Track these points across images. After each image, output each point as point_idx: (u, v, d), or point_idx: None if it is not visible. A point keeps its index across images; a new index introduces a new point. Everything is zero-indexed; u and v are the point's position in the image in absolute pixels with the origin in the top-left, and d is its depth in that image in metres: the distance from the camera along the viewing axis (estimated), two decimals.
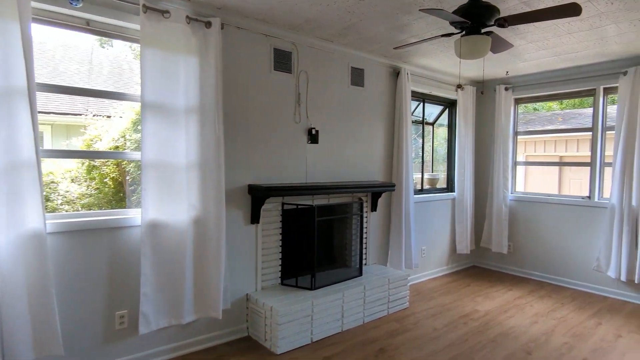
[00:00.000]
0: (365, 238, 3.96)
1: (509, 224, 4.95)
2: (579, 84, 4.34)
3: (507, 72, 4.57)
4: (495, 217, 4.92)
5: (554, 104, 12.60)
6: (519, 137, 5.06)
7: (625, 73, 3.90)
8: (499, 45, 2.59)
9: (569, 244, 4.45)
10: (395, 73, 4.16)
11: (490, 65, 4.31)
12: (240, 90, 3.01)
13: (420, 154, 4.78)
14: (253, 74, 3.07)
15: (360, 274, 3.61)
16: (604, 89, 4.22)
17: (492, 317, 3.52)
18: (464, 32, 2.31)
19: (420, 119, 4.74)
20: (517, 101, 4.98)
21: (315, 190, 3.20)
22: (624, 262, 3.87)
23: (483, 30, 2.30)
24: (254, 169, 3.11)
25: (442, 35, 2.38)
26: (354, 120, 3.82)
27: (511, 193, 4.97)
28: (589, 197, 4.33)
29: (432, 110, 5.03)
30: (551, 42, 3.43)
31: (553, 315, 3.59)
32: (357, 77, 3.81)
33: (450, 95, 4.86)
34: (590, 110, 7.80)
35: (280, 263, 3.29)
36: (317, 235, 3.35)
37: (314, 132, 3.45)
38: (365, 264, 3.96)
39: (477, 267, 5.21)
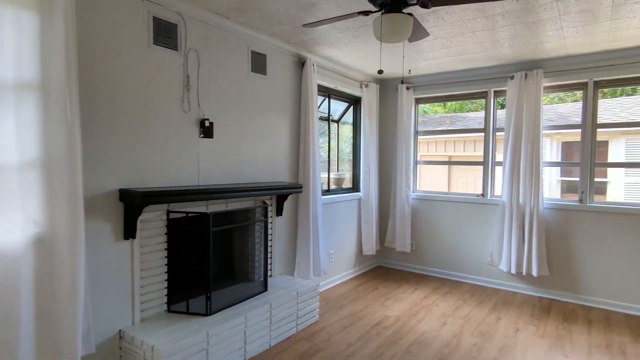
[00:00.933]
0: (271, 247, 3.51)
1: (412, 223, 4.98)
2: (473, 86, 4.51)
3: (409, 70, 4.55)
4: (398, 216, 4.90)
5: (439, 108, 13.69)
6: (419, 136, 5.14)
7: (512, 77, 4.13)
8: (417, 32, 2.39)
9: (465, 241, 4.62)
10: (301, 63, 3.80)
11: (394, 63, 4.22)
12: (106, 65, 2.31)
13: (326, 152, 4.51)
14: (125, 45, 2.39)
15: (265, 288, 3.16)
16: (495, 91, 4.45)
17: (403, 322, 3.37)
18: (383, 11, 2.03)
19: (326, 115, 4.47)
20: (418, 101, 5.04)
21: (210, 195, 2.64)
22: (514, 256, 4.11)
23: (405, 10, 2.05)
24: (128, 168, 2.42)
25: (359, 13, 2.07)
26: (257, 113, 3.34)
27: (413, 192, 5.02)
28: (482, 194, 4.54)
29: (337, 107, 4.81)
30: (454, 40, 3.41)
31: (458, 313, 3.60)
32: (259, 63, 3.34)
33: (355, 92, 4.69)
34: (474, 114, 8.49)
35: (166, 285, 2.65)
36: (213, 248, 2.80)
37: (207, 124, 2.88)
38: (271, 276, 3.52)
39: (382, 267, 5.15)
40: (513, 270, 4.12)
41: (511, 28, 3.10)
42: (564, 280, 4.02)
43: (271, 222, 3.50)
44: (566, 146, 7.10)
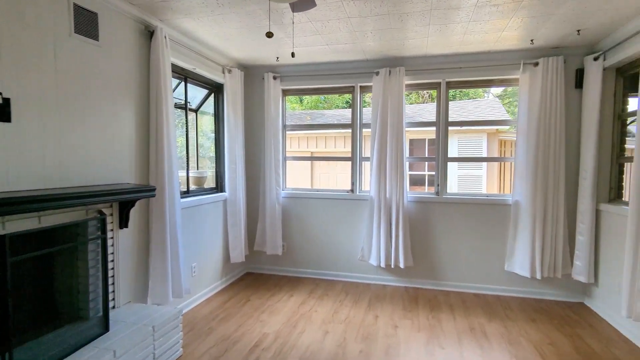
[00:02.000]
0: (112, 270, 2.68)
1: (283, 223, 4.66)
2: (341, 80, 4.42)
3: (277, 57, 4.18)
4: (269, 217, 4.51)
5: (297, 105, 13.82)
6: (287, 131, 4.83)
7: (377, 73, 4.17)
8: (303, 1, 2.01)
9: (337, 238, 4.52)
10: (149, 33, 3.02)
11: (260, 48, 3.79)
12: None
13: (185, 146, 3.79)
14: None
15: (106, 328, 2.36)
16: (361, 87, 4.44)
17: (284, 339, 2.99)
18: None
19: (182, 102, 3.75)
20: (285, 92, 4.72)
21: (10, 207, 1.75)
22: (382, 250, 4.17)
23: None
24: None
25: None
26: (88, 92, 2.47)
27: (283, 190, 4.69)
28: (351, 190, 4.50)
29: (195, 94, 4.12)
30: (329, 26, 3.18)
31: (338, 317, 3.41)
32: (87, 23, 2.47)
33: (217, 77, 4.08)
34: (332, 112, 8.65)
35: None
36: (19, 283, 1.91)
37: (1, 100, 1.93)
38: (114, 308, 2.69)
39: (253, 274, 4.69)
40: (382, 264, 4.17)
41: (385, 18, 3.01)
42: (426, 269, 4.27)
43: (112, 238, 2.67)
44: (410, 143, 7.85)
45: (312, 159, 5.27)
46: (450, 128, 4.35)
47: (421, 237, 4.26)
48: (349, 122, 4.55)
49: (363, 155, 4.51)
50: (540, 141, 3.75)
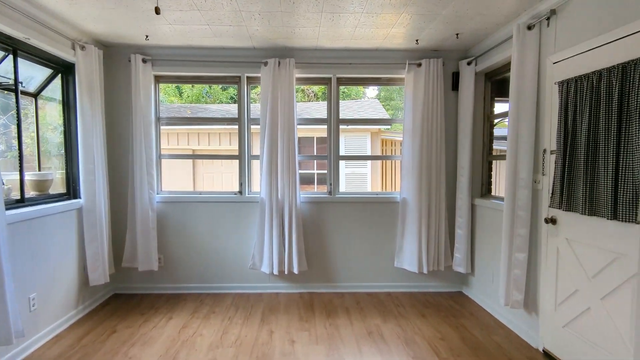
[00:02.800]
0: None
1: (158, 233, 3.98)
2: (225, 69, 3.94)
3: (147, 36, 3.51)
4: (140, 227, 3.80)
5: (175, 98, 12.62)
6: (161, 125, 4.15)
7: (266, 63, 3.82)
8: None
9: (225, 246, 4.05)
10: None
11: (124, 21, 3.11)
12: None
13: (16, 142, 2.90)
14: None
15: None
16: (248, 77, 4.04)
17: None
18: None
19: (10, 81, 2.85)
20: (158, 79, 4.04)
21: None
22: (275, 256, 3.85)
23: None
24: None
25: None
26: None
27: (158, 193, 4.01)
28: (240, 192, 4.07)
29: (34, 74, 3.21)
30: (210, 0, 2.71)
31: (227, 339, 2.98)
32: None
33: (64, 54, 3.23)
34: (216, 106, 8.02)
35: None
36: None
37: None
38: None
39: (121, 296, 3.90)
40: (275, 271, 3.86)
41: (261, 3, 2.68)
42: (320, 272, 4.09)
43: None
44: (297, 141, 7.72)
45: (193, 157, 4.66)
46: (342, 127, 4.25)
47: (315, 239, 4.07)
48: (236, 116, 4.11)
49: (252, 154, 4.12)
50: (424, 140, 3.87)
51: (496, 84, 3.88)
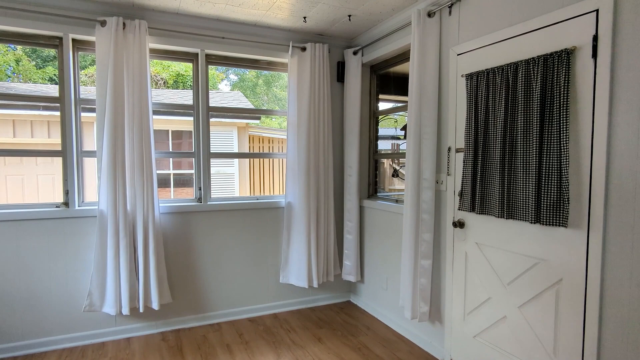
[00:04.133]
0: None
1: None
2: (37, 23, 2.68)
3: None
4: None
5: None
6: None
7: (103, 23, 2.75)
8: None
9: (43, 284, 2.78)
10: None
11: None
12: None
13: None
14: None
15: None
16: (75, 40, 2.86)
17: None
18: None
19: None
20: None
21: None
22: (124, 289, 2.82)
23: None
24: None
25: None
26: None
27: None
28: (65, 203, 2.87)
29: None
30: None
31: None
32: None
33: None
34: (26, 86, 6.05)
35: None
36: None
37: None
38: None
39: None
40: (125, 310, 2.82)
41: None
42: (188, 301, 3.21)
43: None
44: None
45: None
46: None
47: (180, 260, 3.17)
48: (56, 95, 2.88)
49: (84, 149, 2.95)
50: (311, 136, 3.38)
51: (381, 78, 3.66)
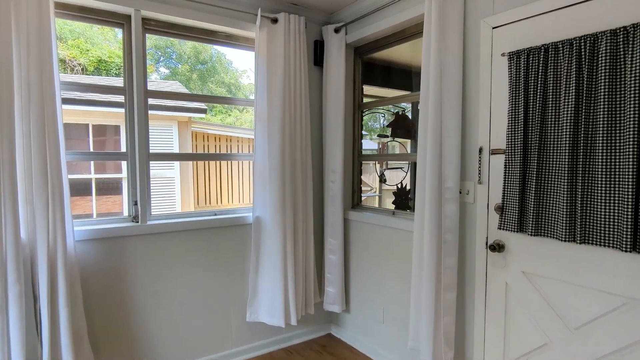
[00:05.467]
0: None
1: None
2: None
3: None
4: None
5: None
6: None
7: None
8: None
9: None
10: None
11: None
12: None
13: None
14: None
15: None
16: None
17: None
18: None
19: None
20: None
21: None
22: (18, 354, 1.86)
23: None
24: None
25: None
26: None
27: None
28: None
29: None
30: None
31: None
32: None
33: None
34: None
35: None
36: None
37: None
38: None
39: None
40: None
41: None
42: (119, 357, 2.30)
43: None
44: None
45: None
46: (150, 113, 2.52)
47: (108, 304, 2.25)
48: None
49: None
50: (286, 132, 2.64)
51: (366, 65, 3.03)
